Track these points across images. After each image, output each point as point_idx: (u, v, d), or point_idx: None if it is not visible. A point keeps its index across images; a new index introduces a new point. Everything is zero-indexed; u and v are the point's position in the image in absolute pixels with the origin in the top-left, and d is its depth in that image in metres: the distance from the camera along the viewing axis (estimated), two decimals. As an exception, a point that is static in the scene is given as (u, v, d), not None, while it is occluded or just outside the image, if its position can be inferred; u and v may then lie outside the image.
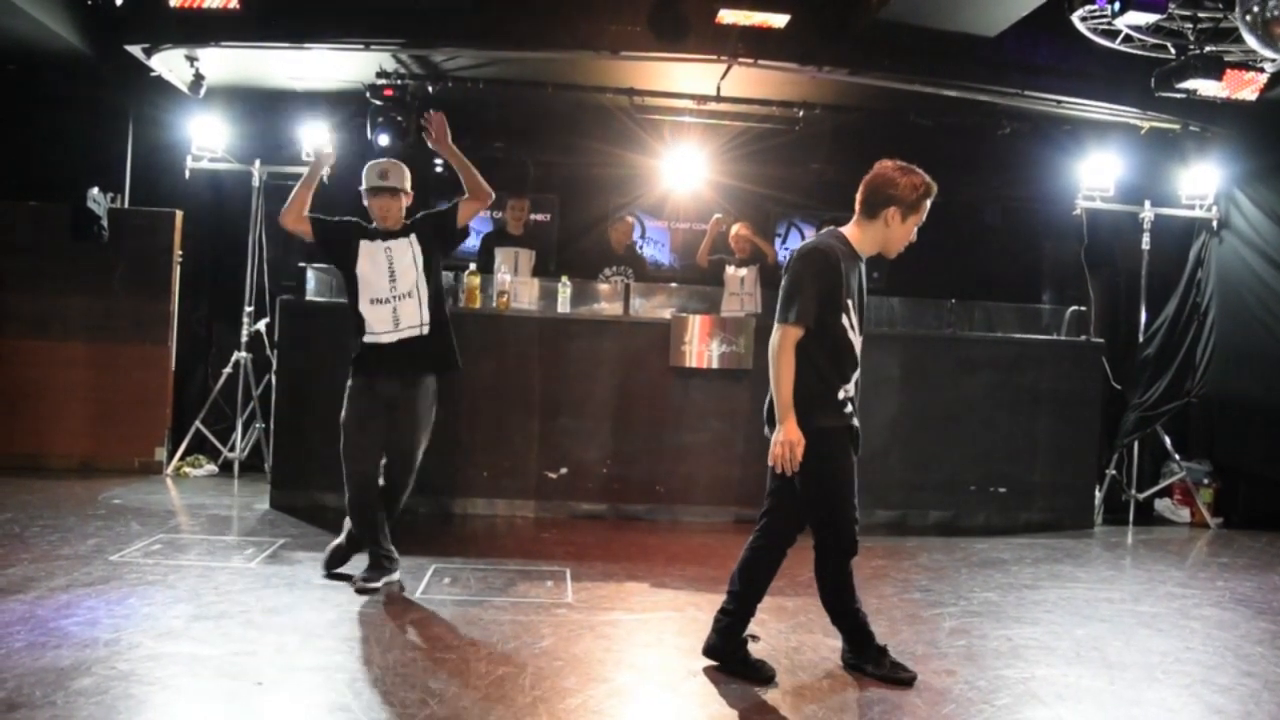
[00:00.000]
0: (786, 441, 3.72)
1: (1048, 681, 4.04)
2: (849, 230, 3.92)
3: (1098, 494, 7.81)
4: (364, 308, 4.97)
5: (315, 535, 6.03)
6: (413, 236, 5.06)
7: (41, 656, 3.71)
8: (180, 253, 8.38)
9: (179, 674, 3.65)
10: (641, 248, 9.98)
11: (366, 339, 4.98)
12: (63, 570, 4.94)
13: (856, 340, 3.85)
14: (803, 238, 10.07)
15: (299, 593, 4.81)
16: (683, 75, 7.86)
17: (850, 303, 3.80)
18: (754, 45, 7.12)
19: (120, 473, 7.96)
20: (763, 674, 3.91)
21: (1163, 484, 8.20)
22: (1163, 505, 8.25)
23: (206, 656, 3.84)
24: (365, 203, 5.10)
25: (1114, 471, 8.06)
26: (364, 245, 5.01)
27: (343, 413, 4.98)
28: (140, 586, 4.75)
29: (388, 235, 5.05)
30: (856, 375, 3.89)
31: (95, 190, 8.01)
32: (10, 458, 7.86)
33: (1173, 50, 6.50)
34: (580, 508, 7.11)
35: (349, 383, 5.01)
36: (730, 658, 3.97)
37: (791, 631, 4.54)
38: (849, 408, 3.86)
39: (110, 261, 8.15)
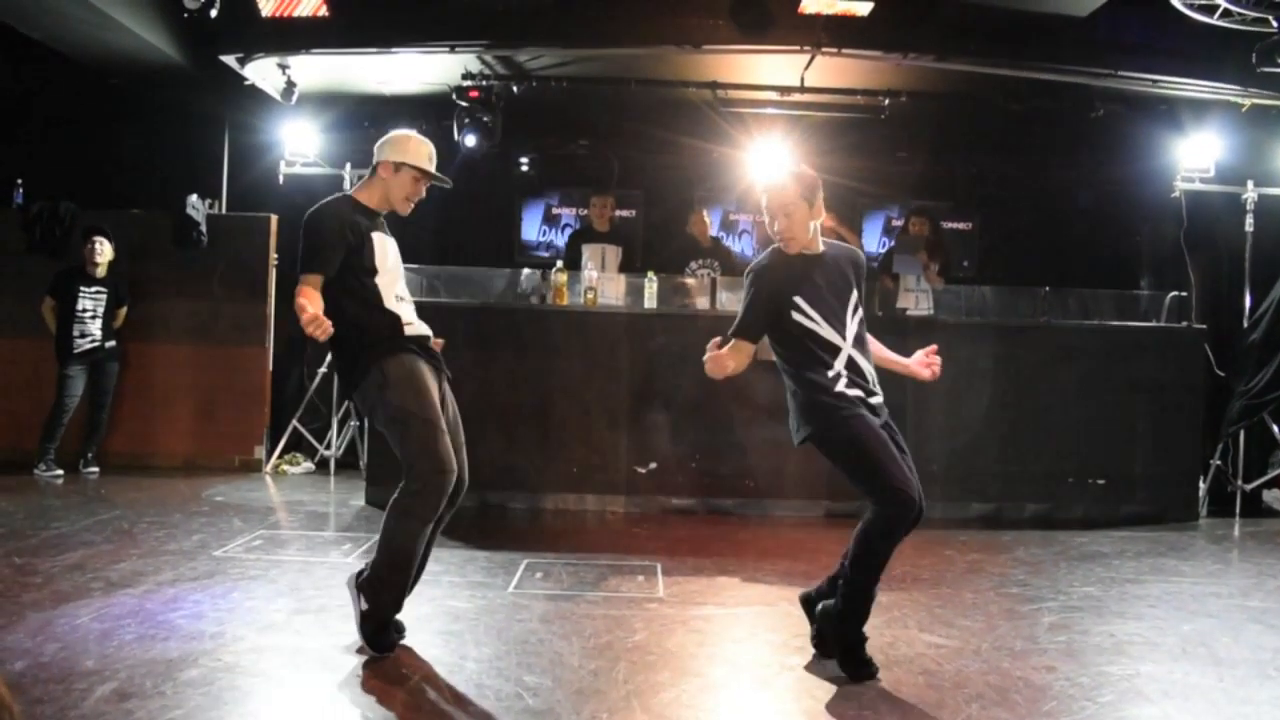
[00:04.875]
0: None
1: (1153, 678, 3.92)
2: None
3: (1202, 485, 7.55)
4: (391, 304, 4.00)
5: (410, 531, 6.13)
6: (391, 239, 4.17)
7: (151, 648, 3.84)
8: (276, 256, 8.61)
9: (282, 666, 3.74)
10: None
11: (408, 331, 4.01)
12: (169, 565, 5.11)
13: (826, 330, 4.09)
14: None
15: (395, 587, 4.89)
16: (766, 67, 7.82)
17: (799, 300, 4.08)
18: (838, 34, 7.05)
19: (222, 470, 8.22)
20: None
21: (1271, 474, 7.91)
22: (1271, 496, 7.98)
23: (307, 649, 3.94)
24: (405, 180, 4.08)
25: (1219, 462, 7.79)
26: (376, 236, 4.03)
27: (416, 401, 3.88)
28: (243, 581, 4.89)
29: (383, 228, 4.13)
30: (843, 357, 4.06)
31: (194, 197, 8.28)
32: (119, 456, 8.17)
33: (1275, 24, 6.26)
34: (670, 502, 7.11)
35: (405, 364, 3.93)
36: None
37: (885, 626, 4.47)
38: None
39: (210, 266, 8.42)
